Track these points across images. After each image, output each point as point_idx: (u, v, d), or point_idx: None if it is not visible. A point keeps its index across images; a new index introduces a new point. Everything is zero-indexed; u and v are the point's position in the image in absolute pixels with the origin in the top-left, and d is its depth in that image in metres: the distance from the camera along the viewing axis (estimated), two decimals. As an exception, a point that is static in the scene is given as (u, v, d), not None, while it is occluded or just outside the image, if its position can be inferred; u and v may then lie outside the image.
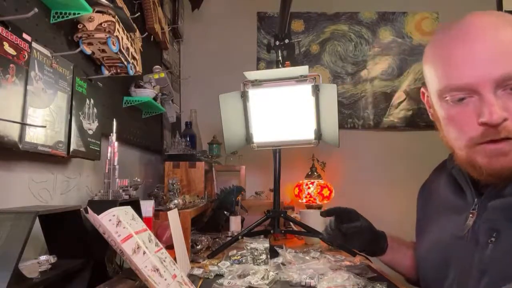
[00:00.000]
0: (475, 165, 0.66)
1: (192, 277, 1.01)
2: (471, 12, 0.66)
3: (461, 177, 0.76)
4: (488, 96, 0.60)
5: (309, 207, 2.12)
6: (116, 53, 1.08)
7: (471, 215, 0.71)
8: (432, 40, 0.71)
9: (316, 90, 1.29)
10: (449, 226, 0.77)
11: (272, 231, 1.37)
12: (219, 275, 1.03)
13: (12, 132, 0.74)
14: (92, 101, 1.07)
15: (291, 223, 1.67)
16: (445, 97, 0.67)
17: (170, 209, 1.21)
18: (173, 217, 1.06)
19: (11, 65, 0.73)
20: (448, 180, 0.81)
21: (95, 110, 1.09)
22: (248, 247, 1.15)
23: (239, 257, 1.17)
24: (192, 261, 1.20)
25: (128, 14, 1.18)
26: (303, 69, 1.29)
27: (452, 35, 0.65)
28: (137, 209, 0.95)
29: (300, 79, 1.31)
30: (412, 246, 0.96)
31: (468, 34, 0.62)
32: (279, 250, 1.19)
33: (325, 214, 0.98)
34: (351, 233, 0.93)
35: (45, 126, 0.84)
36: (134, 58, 1.25)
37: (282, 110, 1.35)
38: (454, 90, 0.65)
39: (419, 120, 2.47)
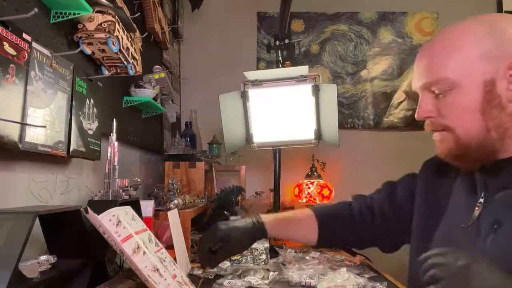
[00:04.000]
0: None
1: (192, 277, 1.01)
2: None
3: (476, 173, 0.76)
4: (420, 97, 0.77)
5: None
6: (116, 53, 1.08)
7: (477, 208, 0.72)
8: None
9: (316, 90, 1.29)
10: (457, 220, 0.77)
11: (272, 231, 1.37)
12: (219, 275, 1.03)
13: (12, 132, 0.74)
14: (92, 101, 1.07)
15: (291, 223, 1.67)
16: None
17: (170, 209, 1.21)
18: (173, 217, 1.06)
19: (11, 65, 0.73)
20: (461, 176, 0.81)
21: (95, 110, 1.09)
22: (248, 247, 1.15)
23: (239, 257, 1.17)
24: (192, 261, 1.20)
25: (128, 14, 1.18)
26: (303, 69, 1.29)
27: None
28: (137, 209, 0.95)
29: (300, 79, 1.31)
30: (307, 219, 1.01)
31: (418, 55, 0.81)
32: (279, 250, 1.19)
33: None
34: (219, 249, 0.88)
35: (45, 126, 0.84)
36: (134, 58, 1.25)
37: (282, 110, 1.35)
38: None
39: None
